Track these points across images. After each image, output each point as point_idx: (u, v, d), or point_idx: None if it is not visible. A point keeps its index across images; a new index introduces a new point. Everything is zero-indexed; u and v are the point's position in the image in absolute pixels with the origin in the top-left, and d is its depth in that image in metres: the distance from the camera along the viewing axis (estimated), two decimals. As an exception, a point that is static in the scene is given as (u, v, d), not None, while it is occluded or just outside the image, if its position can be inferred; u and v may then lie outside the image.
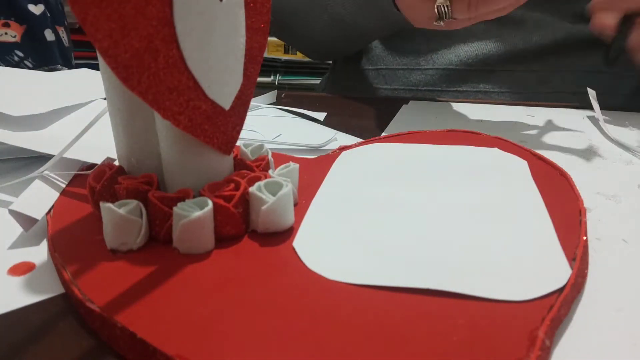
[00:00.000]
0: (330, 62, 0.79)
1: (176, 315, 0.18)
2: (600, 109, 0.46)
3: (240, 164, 0.27)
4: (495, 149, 0.33)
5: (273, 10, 0.24)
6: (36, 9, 1.10)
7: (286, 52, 1.83)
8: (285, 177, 0.24)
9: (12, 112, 0.35)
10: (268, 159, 0.27)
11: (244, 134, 0.39)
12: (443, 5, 0.40)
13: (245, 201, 0.23)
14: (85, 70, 0.53)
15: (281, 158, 0.31)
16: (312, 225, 0.24)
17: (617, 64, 0.53)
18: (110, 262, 0.21)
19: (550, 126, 0.45)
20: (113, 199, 0.23)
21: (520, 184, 0.28)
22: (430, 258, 0.21)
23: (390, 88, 0.65)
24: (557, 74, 0.60)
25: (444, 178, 0.29)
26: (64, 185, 0.28)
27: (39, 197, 0.26)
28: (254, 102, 0.50)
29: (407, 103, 0.54)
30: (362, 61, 0.68)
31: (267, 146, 0.29)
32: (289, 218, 0.23)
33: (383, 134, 0.41)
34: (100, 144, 0.30)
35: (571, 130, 0.44)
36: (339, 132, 0.42)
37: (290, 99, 0.56)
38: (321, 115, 0.48)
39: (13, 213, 0.24)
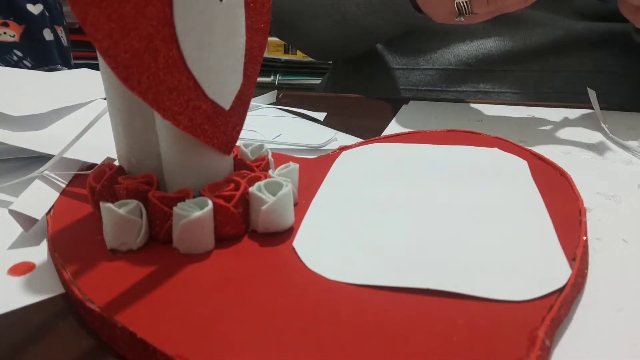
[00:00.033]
0: (331, 62, 0.79)
1: (176, 315, 0.18)
2: (600, 109, 0.46)
3: (240, 164, 0.27)
4: (495, 149, 0.33)
5: (276, 10, 0.24)
6: (35, 9, 1.10)
7: (286, 52, 1.83)
8: (285, 177, 0.24)
9: (12, 112, 0.35)
10: (268, 159, 0.27)
11: (244, 134, 0.39)
12: (462, 2, 0.40)
13: (245, 201, 0.23)
14: (85, 70, 0.53)
15: (281, 158, 0.31)
16: (312, 225, 0.24)
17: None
18: (110, 262, 0.21)
19: (550, 126, 0.45)
20: (113, 199, 0.23)
21: (520, 184, 0.28)
22: (430, 258, 0.21)
23: (390, 88, 0.65)
24: (558, 74, 0.60)
25: (444, 178, 0.29)
26: (64, 185, 0.28)
27: (39, 197, 0.26)
28: (254, 102, 0.50)
29: (407, 103, 0.54)
30: (362, 61, 0.68)
31: (267, 146, 0.29)
32: (289, 218, 0.23)
33: (383, 134, 0.41)
34: (100, 144, 0.30)
35: (571, 130, 0.44)
36: (339, 132, 0.42)
37: (290, 99, 0.56)
38: (321, 115, 0.48)
39: (13, 213, 0.24)
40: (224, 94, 0.23)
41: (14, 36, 1.08)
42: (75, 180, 0.29)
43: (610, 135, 0.41)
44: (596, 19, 0.59)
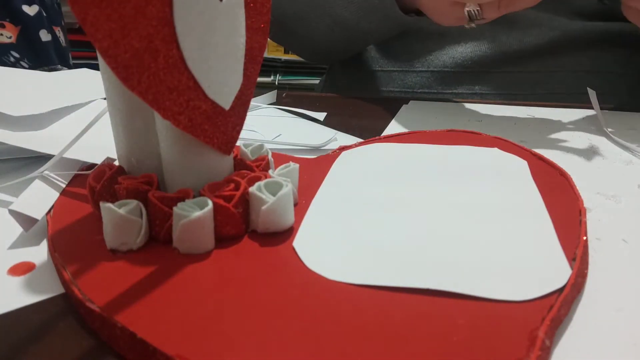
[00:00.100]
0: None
1: (176, 315, 0.18)
2: (600, 109, 0.46)
3: (240, 164, 0.27)
4: (495, 149, 0.33)
5: (272, 13, 0.25)
6: (30, 10, 1.10)
7: (286, 52, 1.83)
8: (285, 177, 0.24)
9: (12, 112, 0.35)
10: (268, 159, 0.27)
11: (244, 134, 0.39)
12: (473, 10, 0.41)
13: (245, 201, 0.23)
14: (85, 70, 0.53)
15: (281, 158, 0.31)
16: (312, 225, 0.24)
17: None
18: (110, 262, 0.21)
19: (550, 126, 0.45)
20: (113, 199, 0.23)
21: (520, 184, 0.28)
22: (430, 258, 0.21)
23: (386, 90, 0.65)
24: (554, 74, 0.60)
25: (444, 178, 0.29)
26: (64, 185, 0.28)
27: (39, 197, 0.26)
28: (254, 102, 0.50)
29: (407, 103, 0.54)
30: (358, 63, 0.68)
31: (267, 146, 0.29)
32: (289, 218, 0.23)
33: (383, 134, 0.41)
34: (100, 144, 0.30)
35: (571, 130, 0.44)
36: (339, 132, 0.42)
37: (290, 99, 0.56)
38: (321, 115, 0.48)
39: (13, 213, 0.24)
40: (224, 94, 0.23)
41: (10, 37, 1.08)
42: (75, 180, 0.29)
43: (610, 135, 0.41)
44: (594, 18, 0.59)
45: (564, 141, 0.41)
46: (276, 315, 0.18)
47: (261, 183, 0.23)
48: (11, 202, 0.25)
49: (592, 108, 0.47)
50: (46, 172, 0.28)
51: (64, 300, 0.20)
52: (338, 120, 0.47)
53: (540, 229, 0.23)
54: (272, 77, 1.85)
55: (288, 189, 0.23)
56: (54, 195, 0.27)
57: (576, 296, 0.20)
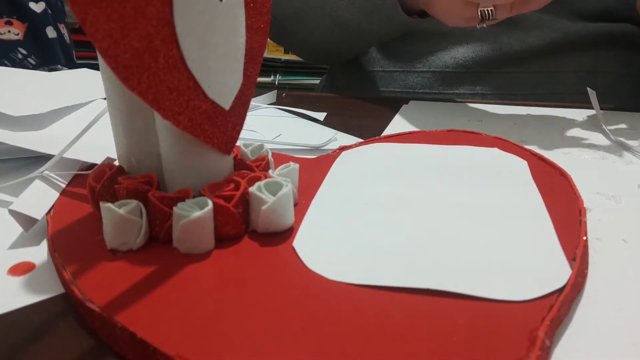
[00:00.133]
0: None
1: (176, 315, 0.18)
2: (601, 109, 0.46)
3: (240, 164, 0.27)
4: (495, 149, 0.33)
5: (272, 13, 0.25)
6: (37, 7, 1.11)
7: (286, 52, 1.82)
8: (285, 177, 0.24)
9: (12, 112, 0.35)
10: (268, 159, 0.27)
11: (244, 134, 0.39)
12: (487, 10, 0.41)
13: (245, 201, 0.23)
14: (85, 70, 0.53)
15: (281, 158, 0.31)
16: (312, 225, 0.24)
17: None
18: (110, 262, 0.21)
19: (550, 126, 0.45)
20: (113, 199, 0.23)
21: (520, 184, 0.28)
22: (430, 258, 0.21)
23: (387, 90, 0.65)
24: (556, 75, 0.60)
25: (444, 178, 0.29)
26: (64, 185, 0.28)
27: (39, 197, 0.26)
28: (254, 102, 0.50)
29: (407, 103, 0.54)
30: (359, 64, 0.68)
31: (267, 146, 0.29)
32: (289, 218, 0.23)
33: (383, 134, 0.41)
34: (100, 144, 0.30)
35: (571, 130, 0.44)
36: (339, 132, 0.42)
37: (290, 99, 0.56)
38: (321, 115, 0.48)
39: (13, 213, 0.24)
40: (224, 94, 0.23)
41: (18, 34, 1.08)
42: (75, 180, 0.29)
43: (610, 135, 0.41)
44: (595, 19, 0.59)
45: (564, 141, 0.41)
46: (276, 315, 0.18)
47: (261, 183, 0.23)
48: (11, 202, 0.25)
49: (592, 108, 0.47)
50: (46, 172, 0.28)
51: (64, 300, 0.20)
52: (338, 120, 0.47)
53: (540, 229, 0.23)
54: (272, 77, 1.85)
55: (288, 189, 0.23)
56: (54, 195, 0.27)
57: (576, 296, 0.20)
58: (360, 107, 0.54)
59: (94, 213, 0.24)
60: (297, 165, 0.26)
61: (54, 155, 0.28)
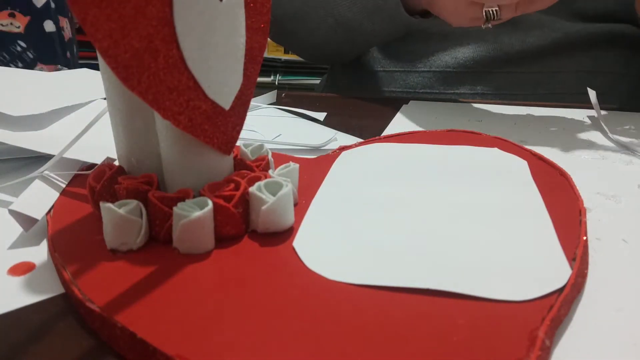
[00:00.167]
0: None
1: (176, 315, 0.18)
2: (601, 109, 0.46)
3: (240, 164, 0.27)
4: (495, 149, 0.33)
5: (272, 13, 0.25)
6: (39, 1, 1.11)
7: (286, 52, 1.82)
8: (285, 177, 0.24)
9: (12, 112, 0.35)
10: (268, 159, 0.27)
11: (244, 134, 0.39)
12: (492, 10, 0.42)
13: (245, 201, 0.23)
14: (85, 70, 0.53)
15: (281, 158, 0.31)
16: (312, 225, 0.24)
17: None
18: (110, 262, 0.21)
19: (550, 126, 0.45)
20: (113, 199, 0.23)
21: (520, 184, 0.28)
22: (430, 258, 0.21)
23: (388, 90, 0.65)
24: (556, 75, 0.60)
25: (444, 178, 0.29)
26: (64, 185, 0.28)
27: (39, 197, 0.26)
28: (254, 102, 0.50)
29: (407, 103, 0.54)
30: (360, 64, 0.68)
31: (267, 146, 0.29)
32: (289, 218, 0.23)
33: (383, 134, 0.41)
34: (100, 144, 0.30)
35: (571, 130, 0.44)
36: (339, 132, 0.42)
37: (290, 99, 0.56)
38: (321, 115, 0.48)
39: (13, 213, 0.24)
40: (224, 94, 0.23)
41: (19, 27, 1.09)
42: (75, 180, 0.29)
43: (610, 135, 0.41)
44: (595, 20, 0.59)
45: (564, 141, 0.41)
46: (276, 315, 0.18)
47: (261, 183, 0.23)
48: (11, 202, 0.25)
49: (592, 108, 0.47)
50: (46, 172, 0.28)
51: (64, 300, 0.20)
52: (338, 120, 0.47)
53: (540, 229, 0.23)
54: (272, 77, 1.85)
55: (288, 189, 0.23)
56: (54, 195, 0.27)
57: (576, 296, 0.20)
58: (360, 107, 0.54)
59: (94, 213, 0.24)
60: (297, 165, 0.26)
61: (54, 155, 0.28)
